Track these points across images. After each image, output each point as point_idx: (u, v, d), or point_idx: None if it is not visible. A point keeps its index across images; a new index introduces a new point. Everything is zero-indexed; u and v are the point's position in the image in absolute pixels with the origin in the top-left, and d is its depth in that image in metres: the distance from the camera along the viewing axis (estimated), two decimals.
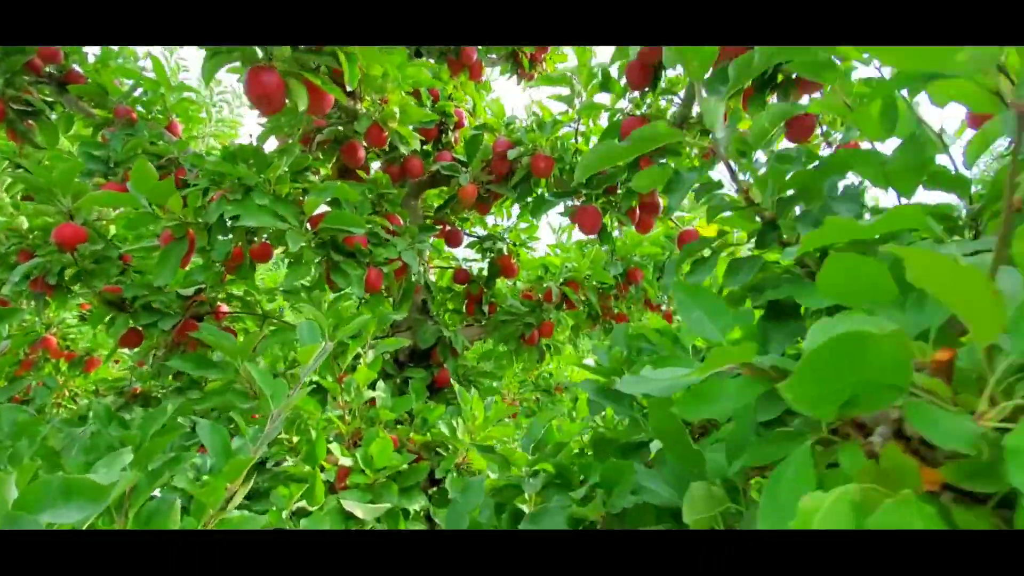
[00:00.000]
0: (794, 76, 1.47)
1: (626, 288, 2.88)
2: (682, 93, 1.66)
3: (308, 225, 1.58)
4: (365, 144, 1.88)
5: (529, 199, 2.17)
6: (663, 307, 3.04)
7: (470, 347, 2.45)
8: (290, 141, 1.68)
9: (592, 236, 2.04)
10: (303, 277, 1.54)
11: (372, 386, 1.89)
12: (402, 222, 2.08)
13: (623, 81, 1.67)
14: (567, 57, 2.81)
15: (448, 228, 2.55)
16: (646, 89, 1.64)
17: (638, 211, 2.02)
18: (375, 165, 2.38)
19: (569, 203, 2.30)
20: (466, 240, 2.62)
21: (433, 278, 2.63)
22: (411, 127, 1.93)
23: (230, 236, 1.80)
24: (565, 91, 1.81)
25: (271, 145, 1.79)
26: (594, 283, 2.74)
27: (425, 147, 2.38)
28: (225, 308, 2.12)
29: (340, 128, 1.82)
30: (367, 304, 1.92)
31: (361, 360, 1.78)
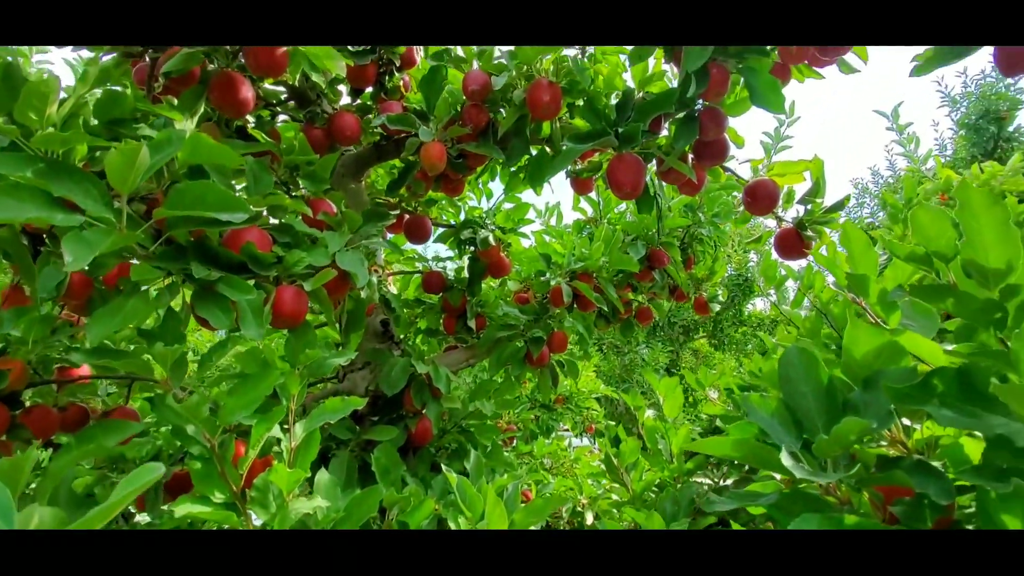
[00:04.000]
0: None
1: (649, 275, 2.21)
2: None
3: (129, 210, 0.82)
4: (252, 76, 1.13)
5: (523, 159, 1.47)
6: (694, 295, 2.39)
7: (455, 379, 1.73)
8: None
9: (629, 200, 1.35)
10: (137, 319, 0.78)
11: (311, 480, 1.15)
12: (335, 209, 1.34)
13: None
14: None
15: (408, 216, 1.81)
16: None
17: (692, 159, 1.34)
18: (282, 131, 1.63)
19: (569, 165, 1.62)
20: (435, 232, 1.88)
21: (394, 289, 1.89)
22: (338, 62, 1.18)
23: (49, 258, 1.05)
24: None
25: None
26: (611, 273, 2.06)
27: (362, 100, 1.63)
28: (86, 370, 1.32)
29: (205, 52, 1.06)
30: (291, 343, 1.17)
31: (284, 444, 1.04)
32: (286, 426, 1.05)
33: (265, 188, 1.10)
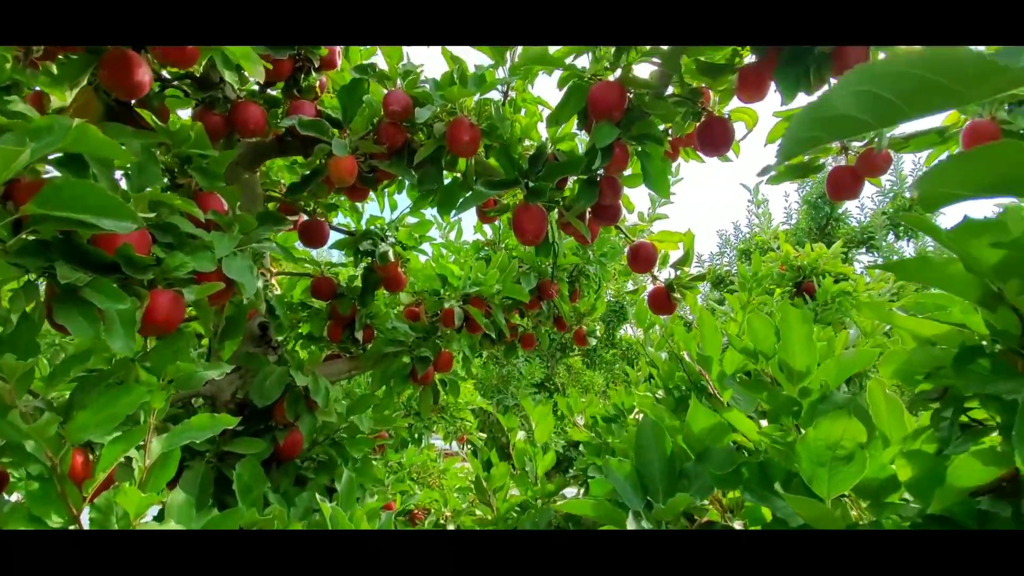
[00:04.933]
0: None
1: (537, 304, 2.35)
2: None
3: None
4: (151, 58, 1.03)
5: (435, 186, 1.50)
6: (575, 327, 2.58)
7: (333, 390, 1.70)
8: None
9: (531, 246, 1.45)
10: None
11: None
12: (225, 207, 1.26)
13: None
14: None
15: (305, 218, 1.74)
16: None
17: (589, 216, 1.48)
18: (183, 114, 1.49)
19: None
20: (332, 236, 1.83)
21: (278, 290, 1.80)
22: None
23: None
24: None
25: None
26: (502, 300, 2.15)
27: (271, 91, 1.55)
28: None
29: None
30: (159, 352, 1.08)
31: (137, 462, 0.96)
32: (141, 441, 0.97)
33: (151, 181, 1.01)
